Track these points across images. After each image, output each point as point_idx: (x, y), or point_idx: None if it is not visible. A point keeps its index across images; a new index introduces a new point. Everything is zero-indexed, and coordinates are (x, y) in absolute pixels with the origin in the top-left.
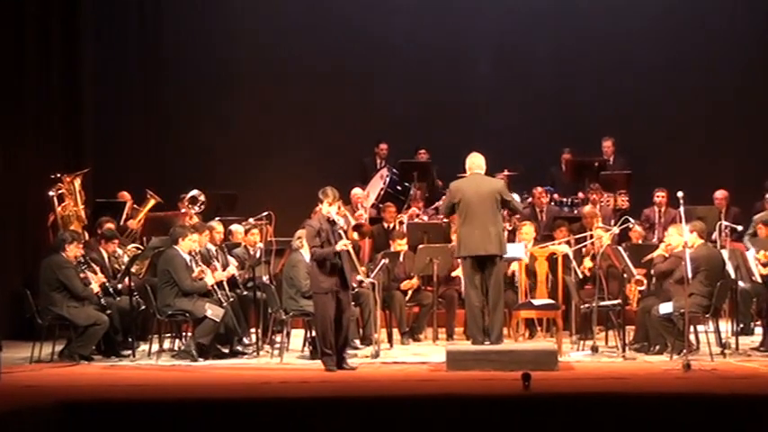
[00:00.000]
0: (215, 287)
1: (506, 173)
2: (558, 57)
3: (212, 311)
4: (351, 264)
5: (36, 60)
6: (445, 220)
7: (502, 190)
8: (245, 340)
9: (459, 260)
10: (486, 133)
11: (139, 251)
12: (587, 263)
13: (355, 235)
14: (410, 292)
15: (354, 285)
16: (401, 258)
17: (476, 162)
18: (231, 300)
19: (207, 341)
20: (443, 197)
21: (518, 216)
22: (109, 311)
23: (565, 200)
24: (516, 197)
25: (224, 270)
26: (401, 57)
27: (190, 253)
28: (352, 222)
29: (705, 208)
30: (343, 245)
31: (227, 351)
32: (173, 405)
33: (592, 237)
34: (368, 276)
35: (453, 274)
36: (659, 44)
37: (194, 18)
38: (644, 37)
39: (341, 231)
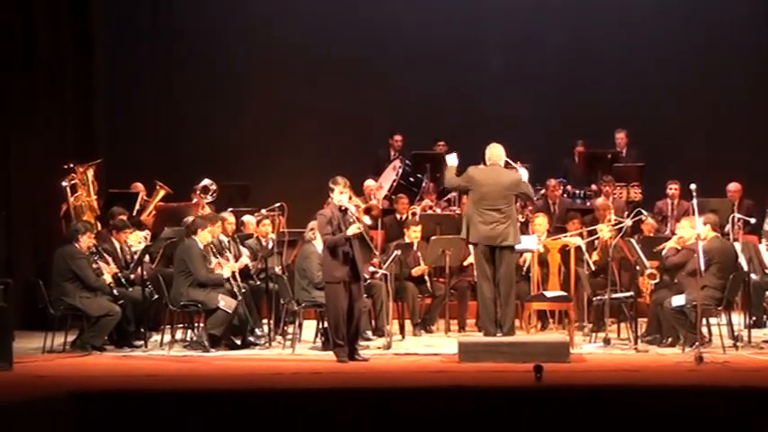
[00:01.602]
0: (231, 280)
1: (519, 164)
2: (571, 48)
3: (225, 302)
4: (365, 252)
5: (47, 51)
6: (445, 188)
7: (520, 182)
8: (258, 331)
9: (471, 246)
10: (499, 125)
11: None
12: (595, 256)
13: (366, 219)
14: (426, 278)
15: (366, 276)
16: (415, 247)
17: (495, 153)
18: (243, 291)
19: (219, 332)
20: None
21: (530, 208)
22: (121, 302)
23: (578, 192)
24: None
25: (236, 261)
26: (415, 49)
27: (207, 245)
28: (359, 202)
29: (718, 200)
30: (355, 228)
31: (239, 342)
32: (184, 396)
33: (600, 230)
34: (380, 267)
35: (465, 263)
36: (666, 35)
37: (208, 7)
38: (651, 28)
39: (353, 219)
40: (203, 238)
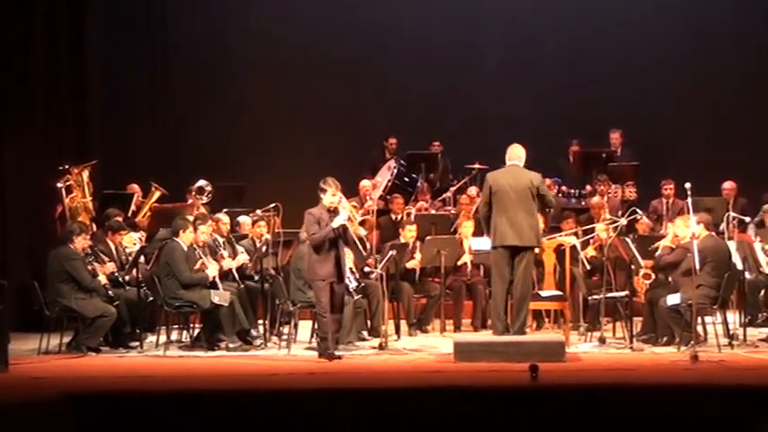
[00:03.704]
0: (217, 279)
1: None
2: (566, 48)
3: (219, 297)
4: (357, 253)
5: (43, 52)
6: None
7: (539, 183)
8: (253, 332)
9: (466, 249)
10: (497, 125)
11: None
12: (590, 251)
13: (361, 230)
14: (418, 271)
15: (355, 276)
16: (410, 247)
17: (515, 153)
18: (241, 287)
19: (230, 331)
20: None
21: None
22: (116, 303)
23: (572, 191)
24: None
25: (233, 260)
26: (410, 49)
27: (196, 244)
28: (354, 213)
29: (713, 199)
30: (341, 220)
31: (233, 345)
32: (180, 397)
33: (597, 230)
34: (375, 268)
35: (460, 262)
36: (666, 35)
37: (204, 7)
38: (651, 28)
39: (345, 223)
40: (186, 238)
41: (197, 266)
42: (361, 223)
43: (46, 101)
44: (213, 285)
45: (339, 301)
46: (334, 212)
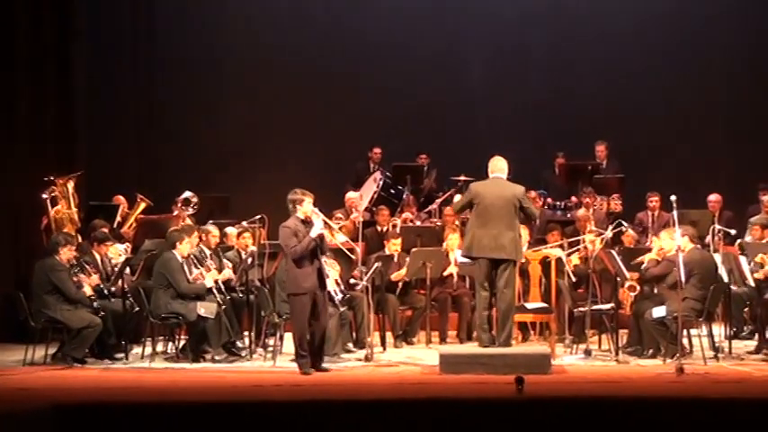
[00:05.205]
0: (212, 289)
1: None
2: (551, 60)
3: (205, 309)
4: (344, 264)
5: (28, 61)
6: (455, 214)
7: (521, 195)
8: (239, 343)
9: (452, 261)
10: (479, 137)
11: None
12: (575, 259)
13: (340, 236)
14: (401, 285)
15: (340, 288)
16: (395, 259)
17: (498, 166)
18: (228, 299)
19: (216, 342)
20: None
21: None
22: (102, 314)
23: (558, 204)
24: None
25: (219, 273)
26: (396, 61)
27: (187, 257)
28: (329, 221)
29: (698, 212)
30: (319, 229)
31: (219, 357)
32: (166, 408)
33: (585, 240)
34: (361, 280)
35: (445, 273)
36: (652, 48)
37: (189, 19)
38: (637, 41)
39: (323, 232)
40: (183, 250)
41: (193, 276)
42: (339, 229)
43: (31, 112)
44: (199, 297)
45: (322, 308)
46: (308, 223)
